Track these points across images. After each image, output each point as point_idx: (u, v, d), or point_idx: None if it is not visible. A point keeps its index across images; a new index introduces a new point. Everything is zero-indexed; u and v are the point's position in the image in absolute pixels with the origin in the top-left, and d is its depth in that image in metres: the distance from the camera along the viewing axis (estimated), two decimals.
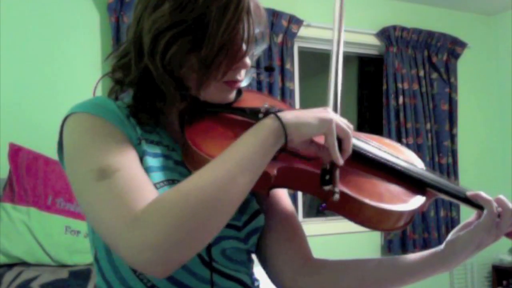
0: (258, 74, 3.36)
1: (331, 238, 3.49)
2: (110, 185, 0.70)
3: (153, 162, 0.80)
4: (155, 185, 0.76)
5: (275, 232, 0.94)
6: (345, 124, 0.79)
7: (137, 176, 0.73)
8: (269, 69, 1.03)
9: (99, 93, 0.89)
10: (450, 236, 0.91)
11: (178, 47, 0.79)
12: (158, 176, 0.78)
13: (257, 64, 0.99)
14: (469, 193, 0.88)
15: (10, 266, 2.16)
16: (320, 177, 0.78)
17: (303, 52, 3.77)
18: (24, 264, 2.19)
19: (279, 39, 3.45)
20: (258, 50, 0.91)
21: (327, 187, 0.77)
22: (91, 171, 0.72)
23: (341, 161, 0.77)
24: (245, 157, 0.71)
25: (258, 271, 0.95)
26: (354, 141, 0.89)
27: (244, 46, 0.81)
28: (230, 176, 0.69)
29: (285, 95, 3.40)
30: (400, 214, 0.83)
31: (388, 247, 3.72)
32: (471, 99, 4.21)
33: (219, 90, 0.85)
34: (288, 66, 3.45)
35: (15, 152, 2.37)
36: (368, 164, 0.88)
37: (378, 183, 0.86)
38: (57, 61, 2.85)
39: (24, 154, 2.38)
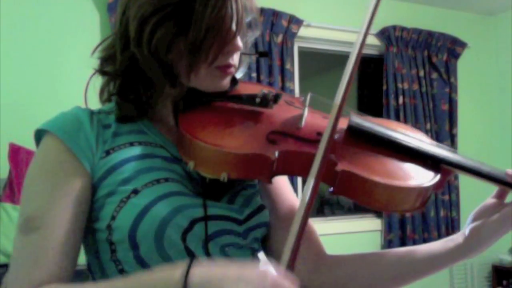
0: (258, 74, 3.36)
1: (331, 238, 3.48)
2: (24, 244, 0.74)
3: (134, 166, 0.78)
4: (137, 188, 0.75)
5: (281, 229, 0.89)
6: None
7: (50, 245, 0.73)
8: (263, 55, 0.99)
9: (95, 91, 0.88)
10: (472, 221, 0.84)
11: (164, 30, 0.76)
12: (141, 180, 0.77)
13: (257, 52, 0.94)
14: (497, 169, 0.81)
15: None
16: None
17: (303, 52, 3.76)
18: None
19: (279, 39, 3.45)
20: (251, 37, 0.88)
21: None
22: (21, 216, 0.76)
23: None
24: None
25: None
26: (360, 121, 0.85)
27: (233, 27, 0.77)
28: None
29: None
30: (417, 191, 0.77)
31: (388, 247, 3.71)
32: (471, 99, 4.21)
33: (212, 76, 0.81)
34: (288, 66, 3.44)
35: (15, 152, 2.37)
36: (377, 143, 0.83)
37: (388, 162, 0.81)
38: (57, 61, 2.85)
39: (24, 154, 2.38)
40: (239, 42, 0.81)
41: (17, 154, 2.37)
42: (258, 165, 0.75)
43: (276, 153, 0.75)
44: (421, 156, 0.82)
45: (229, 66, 0.81)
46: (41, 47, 2.83)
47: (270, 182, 0.79)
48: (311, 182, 0.69)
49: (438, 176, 0.81)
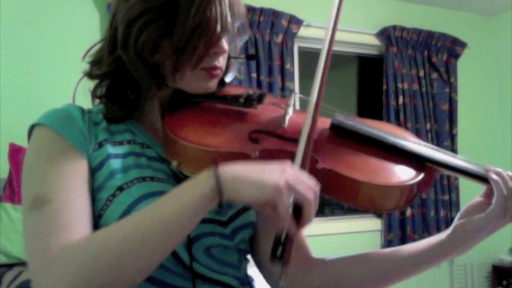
0: (258, 74, 3.36)
1: (331, 238, 3.49)
2: (38, 218, 0.72)
3: (121, 162, 0.79)
4: (122, 185, 0.76)
5: (265, 231, 0.90)
6: (306, 185, 0.67)
7: (66, 211, 0.72)
8: (251, 58, 1.00)
9: (85, 95, 0.89)
10: (458, 219, 0.85)
11: (149, 32, 0.78)
12: (127, 176, 0.78)
13: (245, 55, 0.96)
14: (484, 169, 0.82)
15: (10, 266, 2.16)
16: (272, 247, 0.68)
17: (303, 52, 3.77)
18: (24, 264, 2.19)
19: (279, 39, 3.45)
20: (239, 42, 0.90)
21: (276, 263, 0.67)
22: (28, 197, 0.74)
23: (295, 233, 0.68)
24: (168, 218, 0.67)
25: (254, 271, 0.92)
26: (343, 120, 0.86)
27: (218, 29, 0.78)
28: (149, 236, 0.67)
29: (285, 95, 3.40)
30: (399, 189, 0.78)
31: (388, 247, 3.71)
32: (471, 99, 4.21)
33: (197, 78, 0.82)
34: (288, 66, 3.44)
35: (15, 152, 2.37)
36: (360, 142, 0.84)
37: (371, 160, 0.82)
38: (57, 61, 2.85)
39: (24, 154, 2.37)
40: (225, 44, 0.82)
41: (17, 154, 2.37)
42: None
43: (257, 152, 0.76)
44: (404, 154, 0.83)
45: (214, 68, 0.83)
46: (41, 47, 2.83)
47: None
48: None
49: (422, 175, 0.80)
